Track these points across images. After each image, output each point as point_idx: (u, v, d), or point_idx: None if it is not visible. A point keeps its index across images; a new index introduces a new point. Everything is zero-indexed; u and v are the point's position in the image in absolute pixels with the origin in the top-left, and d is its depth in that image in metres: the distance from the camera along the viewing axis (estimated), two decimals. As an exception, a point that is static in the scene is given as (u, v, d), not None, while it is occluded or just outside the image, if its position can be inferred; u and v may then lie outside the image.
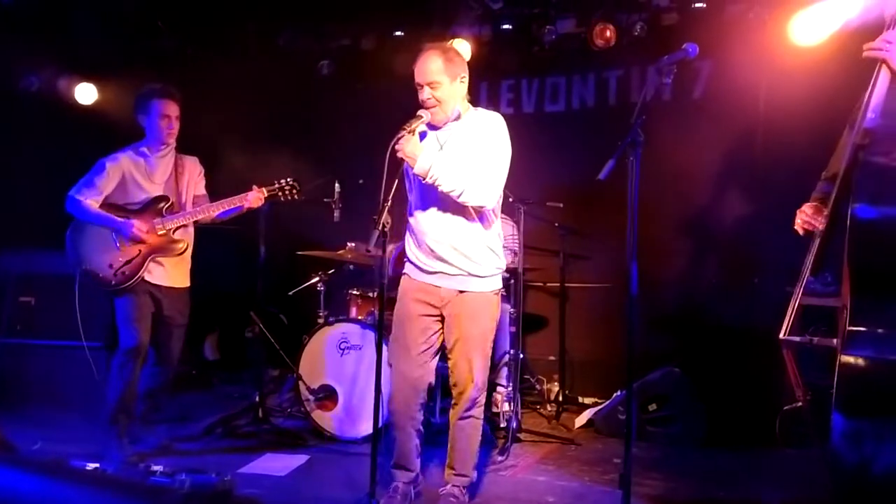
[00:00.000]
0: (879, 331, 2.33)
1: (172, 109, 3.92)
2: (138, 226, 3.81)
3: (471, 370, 3.16)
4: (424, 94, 3.06)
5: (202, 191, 4.13)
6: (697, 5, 4.96)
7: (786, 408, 2.84)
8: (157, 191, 3.94)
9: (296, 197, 4.10)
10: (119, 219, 3.83)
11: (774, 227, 4.51)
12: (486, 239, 3.16)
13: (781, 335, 2.65)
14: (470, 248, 3.12)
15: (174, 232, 3.92)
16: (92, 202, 3.84)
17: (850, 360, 2.32)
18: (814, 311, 2.93)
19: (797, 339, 2.63)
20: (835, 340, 2.46)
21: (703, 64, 5.15)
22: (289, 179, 4.07)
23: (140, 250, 3.85)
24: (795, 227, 2.88)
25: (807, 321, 2.91)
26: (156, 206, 3.91)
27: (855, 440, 2.31)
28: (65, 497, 1.94)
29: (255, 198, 3.97)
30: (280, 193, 4.05)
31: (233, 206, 3.97)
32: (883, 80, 2.58)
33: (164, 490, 1.92)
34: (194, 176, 4.11)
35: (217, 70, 5.94)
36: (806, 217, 2.84)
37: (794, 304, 2.68)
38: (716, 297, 5.07)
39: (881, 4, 2.75)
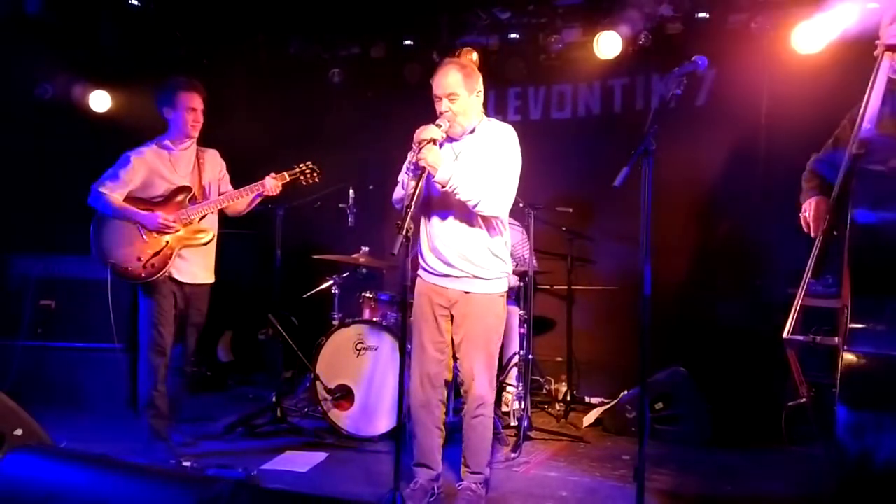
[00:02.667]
0: (879, 328, 2.46)
1: (198, 102, 3.98)
2: (164, 215, 3.85)
3: (475, 369, 3.28)
4: (443, 105, 3.19)
5: (228, 186, 4.19)
6: (701, 15, 5.07)
7: (789, 404, 2.96)
8: (181, 182, 3.99)
9: (317, 180, 4.15)
10: (143, 211, 3.87)
11: (776, 231, 4.66)
12: (492, 245, 3.29)
13: (785, 335, 2.77)
14: (475, 254, 3.25)
15: (199, 222, 3.98)
16: (117, 195, 3.87)
17: (852, 356, 2.45)
18: (816, 312, 3.05)
19: (800, 338, 2.75)
20: (836, 339, 2.59)
21: (707, 72, 5.27)
22: (308, 163, 4.13)
23: (167, 241, 3.88)
24: (808, 227, 2.98)
25: (809, 322, 3.03)
26: (179, 197, 3.96)
27: (858, 432, 2.43)
28: (111, 489, 2.04)
29: (272, 185, 4.03)
30: (301, 177, 4.11)
31: (252, 194, 4.03)
32: (878, 90, 2.71)
33: (210, 481, 2.01)
34: (216, 168, 4.17)
35: (230, 79, 6.05)
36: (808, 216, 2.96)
37: (797, 305, 2.80)
38: (720, 299, 5.19)
39: (878, 12, 2.88)
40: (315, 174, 4.14)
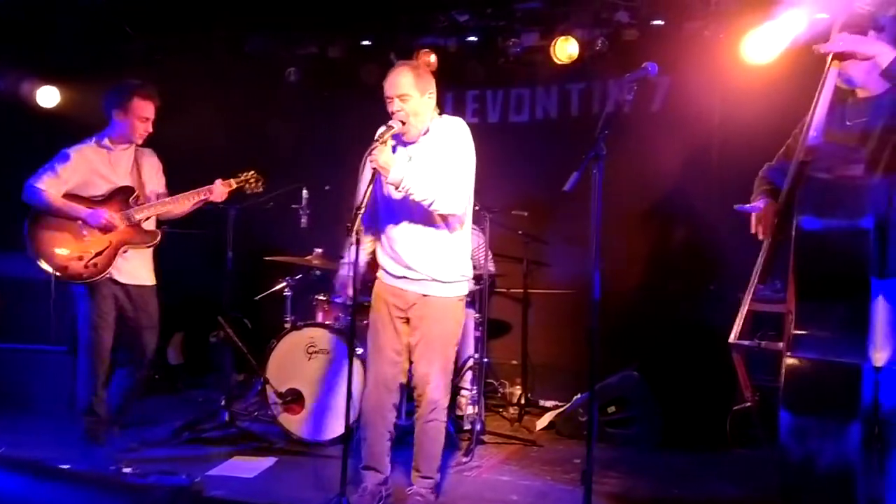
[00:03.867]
0: (822, 334, 2.49)
1: (151, 111, 3.90)
2: (110, 213, 3.75)
3: (430, 373, 3.25)
4: (395, 106, 3.15)
5: (163, 188, 4.09)
6: (656, 23, 5.12)
7: (735, 408, 2.99)
8: (122, 182, 3.90)
9: (261, 189, 4.13)
10: (86, 208, 3.76)
11: (729, 236, 4.71)
12: (452, 246, 3.26)
13: (731, 339, 2.80)
14: (435, 255, 3.22)
15: (143, 223, 3.89)
16: (54, 191, 3.75)
17: (796, 361, 2.49)
18: (764, 316, 3.09)
19: (746, 343, 2.78)
20: (781, 344, 2.62)
21: (662, 79, 5.33)
22: (253, 172, 4.10)
23: (111, 241, 3.78)
24: (756, 231, 3.02)
25: (758, 326, 3.07)
26: (122, 197, 3.87)
27: (801, 437, 2.47)
28: (46, 496, 1.97)
29: (219, 192, 3.97)
30: (246, 185, 4.08)
31: (198, 198, 3.95)
32: (825, 99, 2.75)
33: (148, 488, 1.96)
34: (153, 169, 4.09)
35: (185, 76, 5.94)
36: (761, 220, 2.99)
37: (743, 310, 2.83)
38: (674, 303, 5.24)
39: (827, 22, 2.93)
40: (259, 183, 4.10)
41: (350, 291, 3.22)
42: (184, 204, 3.97)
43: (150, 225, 3.96)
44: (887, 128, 2.60)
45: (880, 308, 2.61)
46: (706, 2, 5.00)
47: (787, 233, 2.64)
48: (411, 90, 3.14)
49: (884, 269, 2.61)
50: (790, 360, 2.49)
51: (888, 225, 2.61)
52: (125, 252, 3.85)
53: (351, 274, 3.11)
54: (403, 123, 3.14)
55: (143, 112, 3.87)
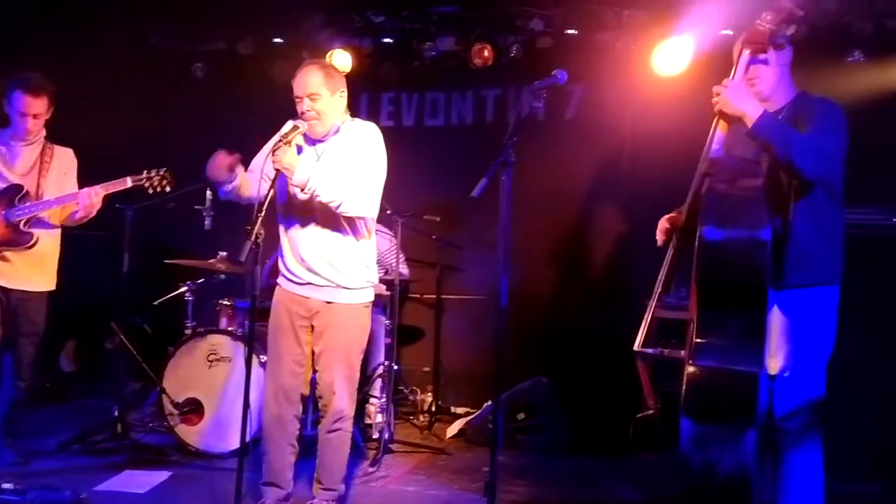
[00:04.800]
0: (722, 342, 2.53)
1: (34, 107, 3.68)
2: None
3: (335, 382, 3.15)
4: (304, 105, 3.05)
5: (72, 188, 3.81)
6: (570, 31, 5.17)
7: (638, 416, 3.01)
8: (15, 180, 3.69)
9: (167, 189, 3.75)
10: None
11: (640, 243, 4.77)
12: (358, 251, 3.17)
13: (635, 347, 2.81)
14: (341, 261, 3.13)
15: (24, 225, 3.66)
16: None
17: (696, 369, 2.51)
18: (671, 324, 3.13)
19: (650, 351, 2.80)
20: (683, 352, 2.64)
21: (576, 87, 5.39)
22: (161, 170, 3.73)
23: None
24: (657, 237, 3.05)
25: (666, 333, 3.10)
26: (10, 196, 3.65)
27: (701, 444, 2.49)
28: None
29: (88, 203, 3.58)
30: (147, 183, 3.70)
31: (64, 205, 3.66)
32: None
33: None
34: (62, 169, 3.85)
35: (85, 69, 5.61)
36: (662, 227, 3.03)
37: (647, 318, 2.85)
38: (584, 310, 5.30)
39: (731, 38, 2.99)
40: (165, 182, 3.74)
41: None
42: (54, 210, 3.72)
43: (35, 227, 3.69)
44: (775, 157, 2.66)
45: (775, 318, 2.69)
46: (618, 14, 5.09)
47: (691, 242, 2.67)
48: (321, 89, 3.05)
49: (780, 280, 2.68)
50: (691, 369, 2.51)
51: (786, 237, 2.69)
52: (6, 253, 3.61)
53: (257, 275, 2.95)
54: (308, 125, 3.04)
55: (23, 107, 3.66)
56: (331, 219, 3.09)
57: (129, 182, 3.72)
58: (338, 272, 3.13)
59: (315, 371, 3.23)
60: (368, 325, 3.29)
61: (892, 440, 3.93)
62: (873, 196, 4.15)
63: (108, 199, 3.82)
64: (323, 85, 3.05)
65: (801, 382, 2.69)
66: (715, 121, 2.78)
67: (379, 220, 4.66)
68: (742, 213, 2.57)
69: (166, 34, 5.69)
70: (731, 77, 2.74)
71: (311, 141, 3.15)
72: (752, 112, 2.62)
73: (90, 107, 5.28)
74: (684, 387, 2.54)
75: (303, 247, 3.14)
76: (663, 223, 3.00)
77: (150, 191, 3.79)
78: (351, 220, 3.11)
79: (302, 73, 3.08)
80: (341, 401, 3.17)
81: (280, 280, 3.25)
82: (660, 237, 2.99)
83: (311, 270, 3.13)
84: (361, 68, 5.42)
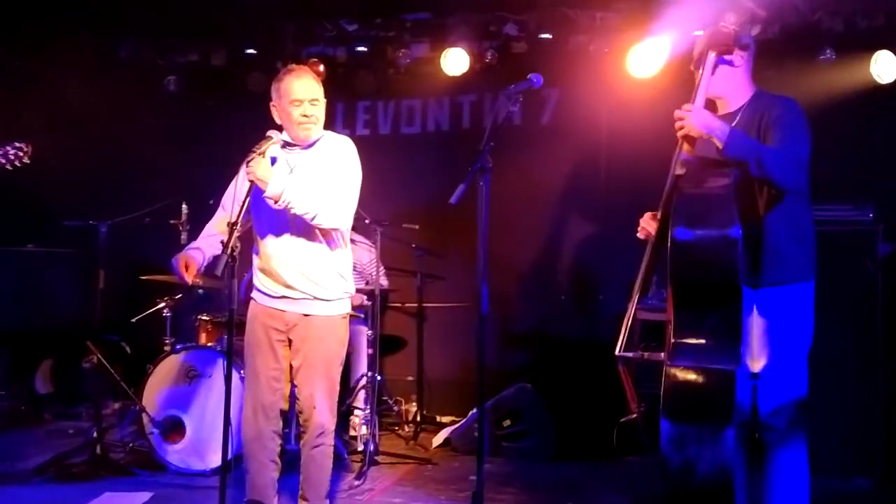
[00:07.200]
0: (699, 342, 2.53)
1: None
2: None
3: (315, 396, 3.10)
4: (306, 109, 3.02)
5: None
6: (544, 36, 5.18)
7: (622, 420, 2.99)
8: None
9: (25, 162, 3.45)
10: None
11: (618, 246, 4.78)
12: (334, 263, 3.13)
13: (616, 351, 2.79)
14: (316, 273, 3.08)
15: None
16: None
17: (674, 370, 2.50)
18: (653, 325, 3.11)
19: (630, 354, 2.78)
20: (662, 354, 2.63)
21: (551, 91, 5.39)
22: (15, 143, 3.47)
23: None
24: (638, 234, 3.04)
25: (647, 336, 3.08)
26: None
27: (680, 445, 2.48)
28: None
29: None
30: (4, 160, 3.45)
31: None
32: None
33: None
34: None
35: (51, 84, 5.54)
36: (643, 223, 3.02)
37: (627, 321, 2.83)
38: (565, 315, 5.29)
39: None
40: (22, 153, 3.45)
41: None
42: None
43: None
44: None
45: (755, 317, 2.69)
46: (591, 17, 5.10)
47: (665, 243, 2.66)
48: (320, 95, 3.08)
49: (757, 279, 2.68)
50: (669, 370, 2.51)
51: (761, 236, 2.69)
52: None
53: (236, 292, 2.89)
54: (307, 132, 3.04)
55: None
56: (306, 230, 3.05)
57: None
58: (314, 284, 3.08)
59: (294, 385, 3.18)
60: (346, 337, 3.24)
61: (878, 437, 3.96)
62: (847, 193, 4.19)
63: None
64: (321, 91, 3.09)
65: (783, 379, 2.70)
66: (680, 143, 2.77)
67: (359, 231, 4.66)
68: (711, 212, 2.57)
69: (136, 47, 5.60)
70: (692, 99, 2.74)
71: (287, 144, 3.10)
72: (719, 134, 2.62)
73: (58, 124, 5.21)
74: (662, 388, 2.53)
75: (276, 260, 3.09)
76: (648, 218, 2.98)
77: (9, 166, 3.49)
78: (326, 232, 3.08)
79: (301, 77, 3.06)
80: (322, 415, 3.12)
81: (254, 294, 3.20)
82: (642, 233, 2.98)
83: (285, 284, 3.08)
84: (336, 77, 5.39)
